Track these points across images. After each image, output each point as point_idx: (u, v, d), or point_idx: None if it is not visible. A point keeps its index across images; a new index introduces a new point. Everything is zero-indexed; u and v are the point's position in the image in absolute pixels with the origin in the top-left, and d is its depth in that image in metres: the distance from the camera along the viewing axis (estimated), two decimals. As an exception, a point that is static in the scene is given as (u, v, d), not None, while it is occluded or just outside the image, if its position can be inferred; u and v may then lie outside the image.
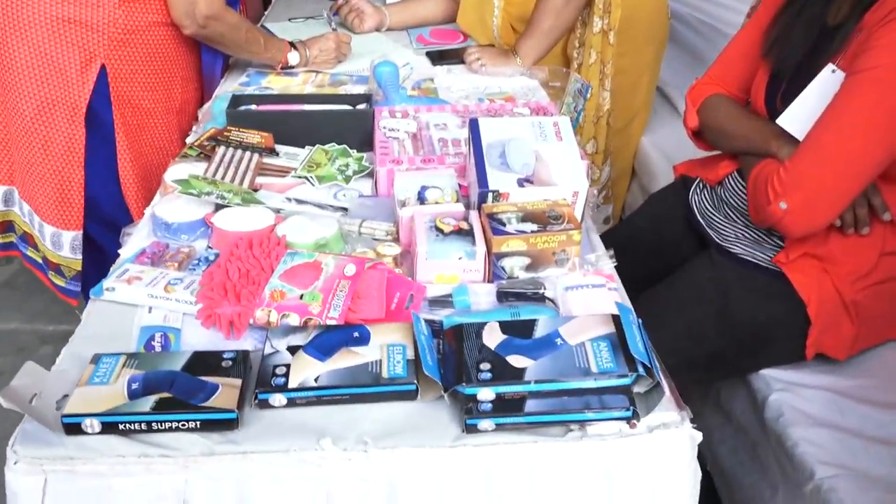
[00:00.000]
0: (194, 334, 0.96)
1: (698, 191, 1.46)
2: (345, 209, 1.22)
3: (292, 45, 1.75)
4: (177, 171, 1.26)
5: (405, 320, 0.98)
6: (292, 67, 1.75)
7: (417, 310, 1.00)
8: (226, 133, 1.34)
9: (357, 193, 1.28)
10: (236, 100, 1.44)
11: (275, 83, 1.72)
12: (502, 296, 1.02)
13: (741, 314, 1.25)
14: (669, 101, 2.15)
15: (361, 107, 1.46)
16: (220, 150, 1.29)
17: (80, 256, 1.68)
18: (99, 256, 1.74)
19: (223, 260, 1.01)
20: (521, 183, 1.09)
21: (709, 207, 1.41)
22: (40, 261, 1.75)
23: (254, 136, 1.35)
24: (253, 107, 1.45)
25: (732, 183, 1.36)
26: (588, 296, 1.03)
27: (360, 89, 1.62)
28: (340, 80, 1.74)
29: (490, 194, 1.08)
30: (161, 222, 1.13)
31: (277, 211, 1.18)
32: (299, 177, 1.30)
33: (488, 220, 1.04)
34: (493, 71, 1.75)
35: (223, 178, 1.23)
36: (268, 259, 1.02)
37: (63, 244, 1.68)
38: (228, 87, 1.70)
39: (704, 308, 1.27)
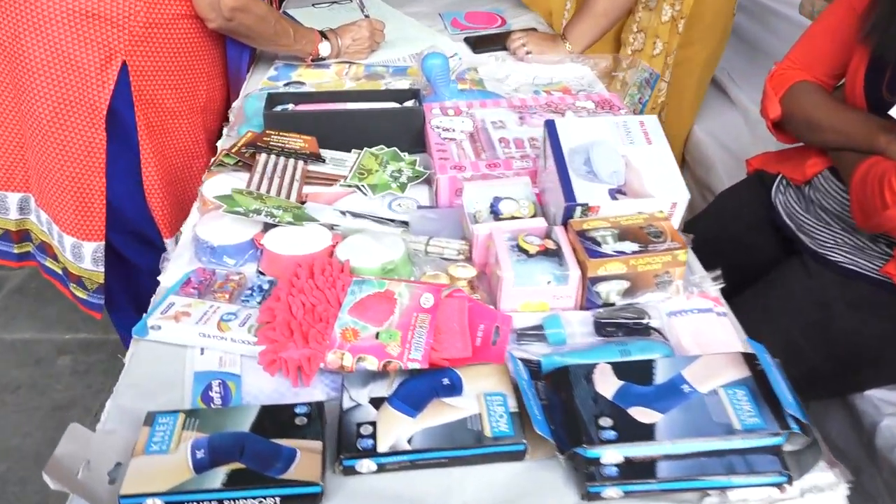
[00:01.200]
0: (256, 380, 0.84)
1: (782, 189, 1.32)
2: (405, 223, 1.09)
3: (323, 34, 1.61)
4: (215, 183, 1.12)
5: (494, 359, 0.85)
6: (323, 59, 1.61)
7: (505, 344, 0.88)
8: (265, 138, 1.20)
9: (414, 203, 1.15)
10: (272, 99, 1.30)
11: (306, 76, 1.58)
12: (600, 326, 0.89)
13: (844, 330, 1.12)
14: (721, 88, 2.01)
15: (409, 104, 1.32)
16: (262, 157, 1.16)
17: (102, 269, 1.55)
18: (122, 267, 1.62)
19: (283, 293, 0.88)
20: (612, 195, 0.96)
21: (797, 209, 1.27)
22: (60, 272, 1.62)
23: (296, 141, 1.21)
24: (290, 106, 1.31)
25: (824, 183, 1.22)
26: (695, 323, 0.91)
27: (402, 83, 1.48)
28: (377, 72, 1.60)
29: (578, 208, 0.95)
30: (205, 245, 0.99)
31: (331, 227, 1.05)
32: (349, 186, 1.16)
33: (580, 239, 0.91)
34: (541, 58, 1.61)
35: (268, 190, 1.09)
36: (333, 290, 0.89)
37: (84, 256, 1.55)
38: (256, 82, 1.57)
39: (801, 322, 1.14)
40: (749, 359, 0.78)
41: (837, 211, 1.19)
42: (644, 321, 0.89)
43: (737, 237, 1.36)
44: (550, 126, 1.04)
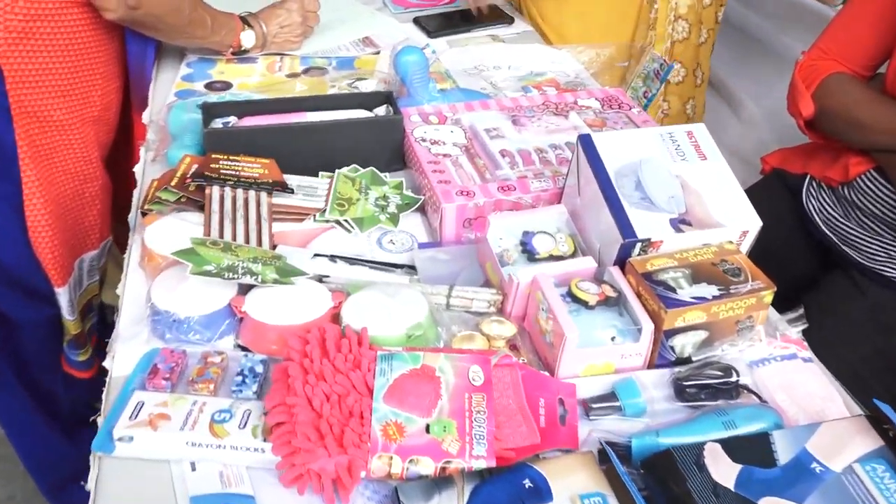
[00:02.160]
0: (275, 499, 0.75)
1: (813, 192, 1.34)
2: (411, 268, 1.02)
3: (244, 21, 1.50)
4: (159, 230, 1.02)
5: (567, 443, 0.81)
6: (246, 51, 1.50)
7: (576, 422, 0.83)
8: (213, 164, 1.10)
9: (411, 239, 1.09)
10: (209, 111, 1.19)
11: (230, 74, 1.48)
12: (681, 389, 0.86)
13: (910, 355, 1.15)
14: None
15: (380, 110, 1.25)
16: (214, 191, 1.06)
17: (-27, 334, 1.40)
18: (1, 329, 1.46)
19: (297, 381, 0.79)
20: (675, 225, 0.93)
21: (835, 215, 1.30)
22: (-86, 341, 1.45)
23: (253, 166, 1.12)
24: (233, 120, 1.21)
25: (869, 184, 1.24)
26: (782, 372, 0.90)
27: (363, 83, 1.39)
28: (317, 66, 1.52)
29: (638, 244, 0.92)
30: (169, 319, 0.89)
31: (319, 279, 0.97)
32: (327, 221, 1.08)
33: (649, 284, 0.88)
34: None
35: (233, 235, 1.00)
36: (358, 371, 0.81)
37: (-51, 319, 1.39)
38: (166, 84, 1.45)
39: (862, 350, 1.17)
40: (875, 422, 0.77)
41: (888, 217, 1.21)
42: (733, 380, 0.86)
43: (761, 250, 1.37)
44: (586, 142, 1.00)
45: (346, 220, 1.08)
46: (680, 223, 0.93)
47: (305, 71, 1.50)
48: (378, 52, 1.57)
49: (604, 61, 1.44)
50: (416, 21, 1.70)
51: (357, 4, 1.77)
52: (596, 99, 1.31)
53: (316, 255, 1.03)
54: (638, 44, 1.49)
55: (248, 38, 1.49)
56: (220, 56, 1.51)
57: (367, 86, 1.39)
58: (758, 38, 2.00)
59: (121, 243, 1.65)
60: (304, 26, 1.55)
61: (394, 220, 1.10)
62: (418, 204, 1.13)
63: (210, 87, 1.43)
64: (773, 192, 1.41)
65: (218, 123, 1.19)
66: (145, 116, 1.35)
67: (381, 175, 1.18)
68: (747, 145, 1.89)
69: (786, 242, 1.36)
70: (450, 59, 1.55)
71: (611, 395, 0.86)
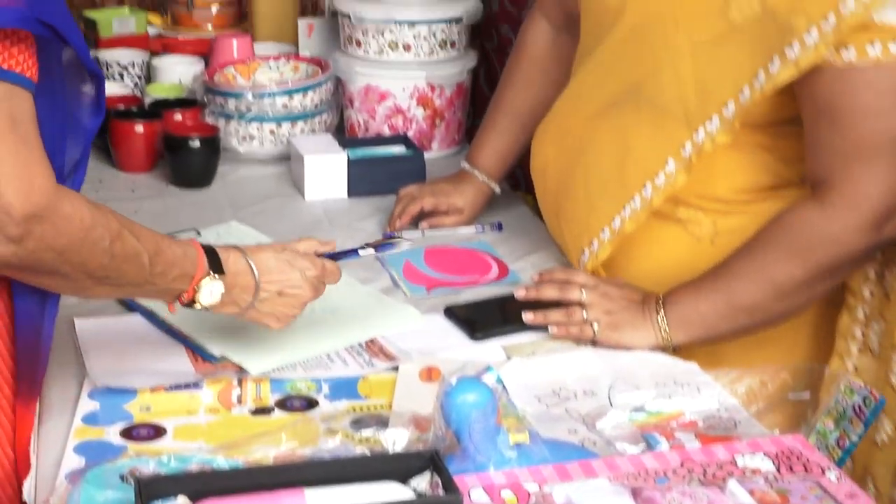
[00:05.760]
0: None
1: None
2: None
3: (209, 253, 1.41)
4: None
5: None
6: (204, 309, 1.43)
7: None
8: None
9: None
10: (146, 490, 1.15)
11: (158, 409, 1.48)
12: None
13: None
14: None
15: (420, 484, 1.22)
16: None
17: None
18: None
19: None
20: None
21: None
22: None
23: None
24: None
25: None
26: None
27: (389, 433, 1.37)
28: (298, 392, 1.53)
29: None
30: None
31: None
32: None
33: None
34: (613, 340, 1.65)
35: None
36: None
37: None
38: (58, 426, 1.44)
39: None
40: None
41: None
42: None
43: None
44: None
45: None
46: None
47: (281, 403, 1.51)
48: (396, 368, 1.57)
49: (772, 393, 1.45)
50: (450, 312, 1.75)
51: (355, 285, 1.80)
52: (766, 455, 1.31)
53: None
54: (824, 366, 1.52)
55: (210, 290, 1.41)
56: (140, 387, 1.49)
57: (390, 436, 1.36)
58: None
59: None
60: (315, 292, 1.51)
61: None
62: None
63: (130, 434, 1.43)
64: None
65: (160, 510, 1.15)
66: (28, 492, 1.31)
67: None
68: None
69: None
70: (512, 379, 1.55)
71: None
